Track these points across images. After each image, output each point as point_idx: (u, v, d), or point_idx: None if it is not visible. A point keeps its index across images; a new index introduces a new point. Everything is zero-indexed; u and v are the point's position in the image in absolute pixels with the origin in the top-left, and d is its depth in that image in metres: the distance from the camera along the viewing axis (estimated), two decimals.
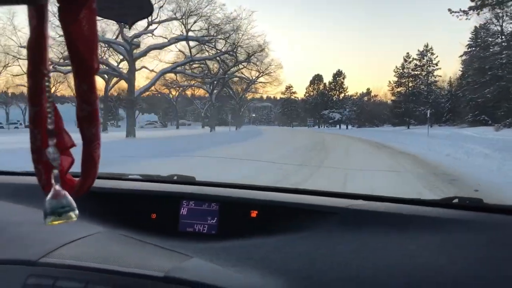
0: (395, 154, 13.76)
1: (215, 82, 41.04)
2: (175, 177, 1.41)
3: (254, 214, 1.10)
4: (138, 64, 27.46)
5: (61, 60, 23.75)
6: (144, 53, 25.18)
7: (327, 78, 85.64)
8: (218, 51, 30.24)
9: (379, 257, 0.89)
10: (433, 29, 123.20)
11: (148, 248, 0.99)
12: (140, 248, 0.98)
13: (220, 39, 29.75)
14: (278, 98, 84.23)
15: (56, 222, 0.55)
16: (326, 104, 72.36)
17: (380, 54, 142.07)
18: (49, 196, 0.58)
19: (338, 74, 74.94)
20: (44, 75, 0.57)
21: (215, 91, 42.50)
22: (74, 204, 0.58)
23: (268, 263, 0.90)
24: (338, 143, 21.49)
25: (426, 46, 59.15)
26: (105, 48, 26.30)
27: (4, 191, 1.28)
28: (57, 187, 0.58)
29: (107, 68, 25.18)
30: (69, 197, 0.58)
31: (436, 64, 58.74)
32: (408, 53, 61.45)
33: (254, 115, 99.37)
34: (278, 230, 1.05)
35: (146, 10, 0.68)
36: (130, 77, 24.21)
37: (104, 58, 26.32)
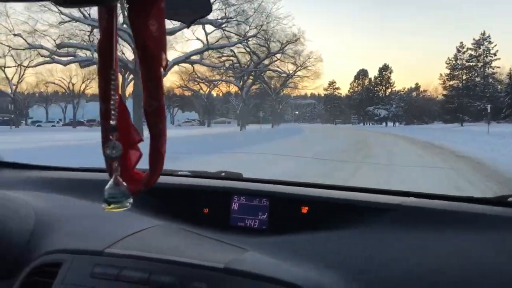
0: (451, 158, 10.79)
1: (245, 76, 37.75)
2: (223, 173, 1.46)
3: (304, 210, 1.12)
4: None
5: (57, 50, 21.78)
6: None
7: (373, 73, 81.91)
8: (241, 37, 27.09)
9: (435, 255, 0.90)
10: (490, 15, 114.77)
11: (204, 241, 1.03)
12: (197, 241, 1.03)
13: (240, 22, 25.80)
14: (323, 95, 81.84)
15: (114, 209, 0.63)
16: (371, 100, 69.39)
17: (430, 45, 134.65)
18: (108, 185, 0.64)
19: (385, 68, 71.92)
20: (114, 73, 0.63)
21: (245, 86, 38.98)
22: (129, 193, 0.65)
23: (323, 258, 0.93)
24: (381, 142, 19.48)
25: (483, 34, 54.75)
26: None
27: (65, 185, 1.35)
28: (117, 176, 0.64)
29: None
30: (125, 187, 0.64)
31: (494, 54, 54.04)
32: (461, 42, 56.99)
33: (297, 112, 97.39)
34: (329, 227, 1.07)
35: (205, 10, 0.72)
36: (137, 69, 21.07)
37: None
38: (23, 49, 22.94)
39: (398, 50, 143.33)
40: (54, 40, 21.84)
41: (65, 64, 22.93)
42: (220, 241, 1.02)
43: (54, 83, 37.77)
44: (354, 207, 1.10)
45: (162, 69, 0.60)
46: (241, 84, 37.96)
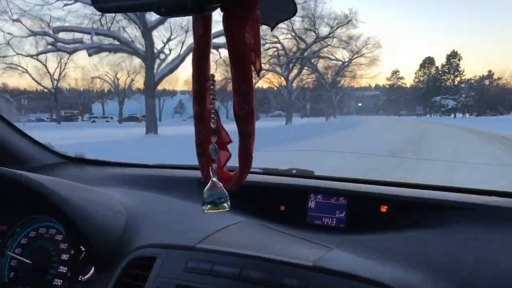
0: None
1: (291, 64, 33.41)
2: (294, 171, 1.49)
3: (384, 209, 1.12)
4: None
5: (58, 36, 19.36)
6: (162, 21, 18.57)
7: (440, 61, 78.02)
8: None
9: None
10: None
11: (287, 238, 1.06)
12: (280, 238, 1.06)
13: None
14: (387, 85, 79.24)
15: (213, 211, 0.69)
16: (438, 90, 66.00)
17: (504, 27, 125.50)
18: (207, 187, 0.69)
19: (453, 55, 68.09)
20: (208, 78, 0.67)
21: (292, 76, 34.07)
22: (228, 196, 0.70)
23: (407, 257, 0.93)
24: (445, 139, 16.00)
25: None
26: (111, 19, 19.89)
27: (145, 182, 1.43)
28: (214, 179, 0.69)
29: (118, 43, 19.79)
30: (224, 189, 0.70)
31: None
32: None
33: (360, 104, 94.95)
34: (410, 226, 1.07)
35: (290, 11, 0.72)
36: (147, 55, 18.89)
37: (112, 29, 20.55)
38: (26, 37, 20.32)
39: (468, 34, 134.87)
40: (48, 24, 19.77)
41: (70, 52, 20.48)
42: (303, 239, 1.05)
43: (99, 77, 37.96)
44: (435, 206, 1.09)
45: (256, 74, 0.63)
46: (286, 74, 33.78)
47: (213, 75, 0.68)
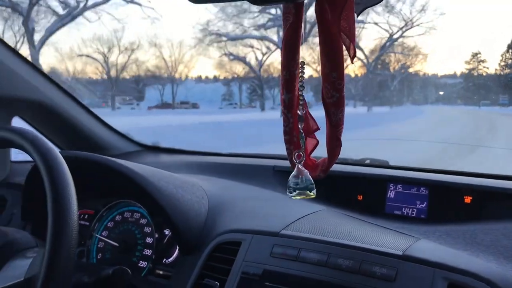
0: None
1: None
2: (368, 161, 1.51)
3: (468, 199, 1.12)
4: None
5: None
6: None
7: None
8: None
9: None
10: None
11: (370, 227, 1.08)
12: (363, 226, 1.08)
13: None
14: (466, 71, 74.28)
15: (299, 197, 0.72)
16: None
17: None
18: (293, 174, 0.72)
19: None
20: (298, 66, 0.69)
21: None
22: (313, 184, 0.72)
23: (498, 249, 0.93)
24: None
25: None
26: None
27: (220, 169, 1.50)
28: (301, 166, 0.72)
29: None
30: (310, 177, 0.72)
31: None
32: None
33: (442, 93, 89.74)
34: (496, 217, 1.07)
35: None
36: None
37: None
38: None
39: None
40: None
41: None
42: (386, 228, 1.08)
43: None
44: None
45: (343, 62, 0.65)
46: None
47: (303, 62, 0.70)
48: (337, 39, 0.62)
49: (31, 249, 0.89)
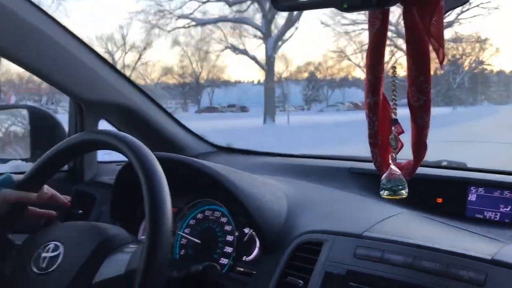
0: None
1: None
2: (444, 163, 1.50)
3: None
4: None
5: None
6: None
7: None
8: None
9: None
10: None
11: (453, 230, 1.09)
12: (445, 230, 1.09)
13: None
14: None
15: (391, 197, 0.75)
16: None
17: None
18: (385, 175, 0.76)
19: None
20: (383, 69, 0.71)
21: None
22: (406, 183, 0.75)
23: None
24: None
25: None
26: None
27: (295, 171, 1.53)
28: (393, 167, 0.75)
29: None
30: (402, 177, 0.75)
31: None
32: None
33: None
34: None
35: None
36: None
37: None
38: None
39: None
40: None
41: None
42: (470, 231, 1.08)
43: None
44: None
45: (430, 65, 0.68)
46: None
47: (394, 67, 0.73)
48: (425, 43, 0.64)
49: (127, 244, 0.97)
